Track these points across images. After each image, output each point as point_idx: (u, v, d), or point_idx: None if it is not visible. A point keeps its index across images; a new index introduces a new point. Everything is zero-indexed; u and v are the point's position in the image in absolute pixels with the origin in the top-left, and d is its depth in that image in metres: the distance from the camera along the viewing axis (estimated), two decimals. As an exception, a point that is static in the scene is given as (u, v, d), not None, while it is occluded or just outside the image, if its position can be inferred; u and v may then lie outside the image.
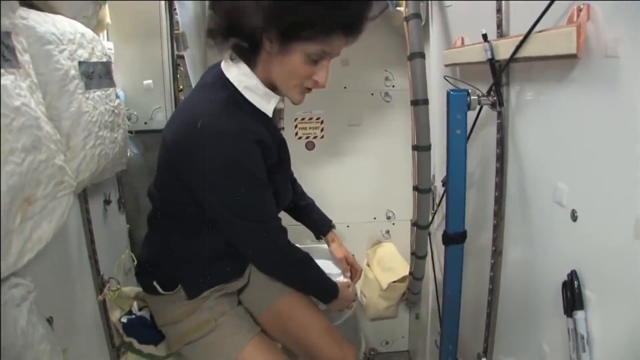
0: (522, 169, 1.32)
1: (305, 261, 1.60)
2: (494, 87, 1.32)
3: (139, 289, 1.84)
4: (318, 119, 2.65)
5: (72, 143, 1.24)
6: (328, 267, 2.05)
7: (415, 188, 1.82)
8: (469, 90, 1.32)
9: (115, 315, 1.82)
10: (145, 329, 1.76)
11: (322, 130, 2.67)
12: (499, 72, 1.29)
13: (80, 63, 1.31)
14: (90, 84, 1.35)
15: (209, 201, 1.36)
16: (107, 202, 1.96)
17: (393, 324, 2.89)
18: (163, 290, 1.54)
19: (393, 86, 2.64)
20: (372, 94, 2.65)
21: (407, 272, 2.42)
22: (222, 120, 1.26)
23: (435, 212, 2.02)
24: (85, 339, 1.65)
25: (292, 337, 1.71)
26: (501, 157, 1.38)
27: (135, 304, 1.90)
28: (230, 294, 1.68)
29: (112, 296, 1.78)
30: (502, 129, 1.37)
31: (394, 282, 2.43)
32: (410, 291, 2.24)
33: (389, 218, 2.78)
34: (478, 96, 1.32)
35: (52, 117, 1.18)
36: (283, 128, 1.64)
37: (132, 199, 2.40)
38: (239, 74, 1.34)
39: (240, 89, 1.34)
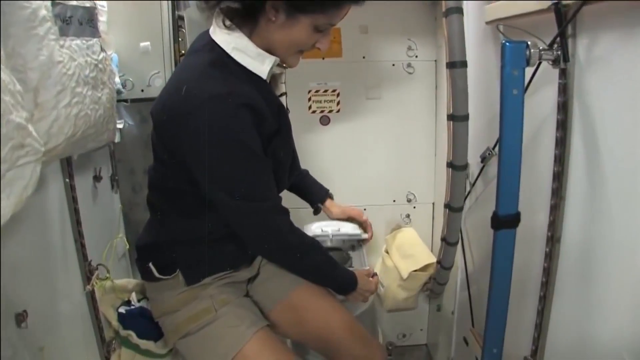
0: (592, 140, 1.08)
1: (312, 247, 1.44)
2: (558, 39, 1.08)
3: (137, 281, 1.68)
4: (334, 91, 2.43)
5: (41, 99, 1.01)
6: (348, 228, 1.93)
7: (450, 165, 1.58)
8: (528, 42, 1.08)
9: (107, 307, 1.63)
10: (145, 321, 1.58)
11: (338, 103, 2.44)
12: (568, 18, 1.05)
13: (54, 3, 1.07)
14: (66, 30, 1.12)
15: (198, 175, 1.24)
16: (97, 178, 1.75)
17: (411, 316, 2.69)
18: (160, 274, 1.42)
19: (416, 56, 2.40)
20: (393, 65, 2.41)
21: (429, 260, 2.21)
22: (206, 83, 1.17)
23: (469, 193, 1.79)
24: (69, 334, 1.49)
25: (310, 332, 1.52)
26: (564, 125, 1.14)
27: (133, 294, 1.72)
28: (236, 284, 1.51)
29: (101, 286, 1.59)
30: (566, 91, 1.13)
31: (415, 271, 2.21)
32: (435, 281, 2.01)
33: (409, 201, 2.55)
34: (539, 49, 1.08)
35: (16, 66, 0.95)
36: (285, 94, 1.43)
37: (128, 176, 2.20)
38: (227, 36, 1.23)
39: (228, 50, 1.23)
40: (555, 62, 1.10)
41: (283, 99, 1.45)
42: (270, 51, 1.25)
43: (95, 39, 1.28)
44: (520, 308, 1.37)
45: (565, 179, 1.16)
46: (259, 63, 1.25)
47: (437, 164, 2.48)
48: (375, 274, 1.67)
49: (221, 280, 1.46)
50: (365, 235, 1.94)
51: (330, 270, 1.50)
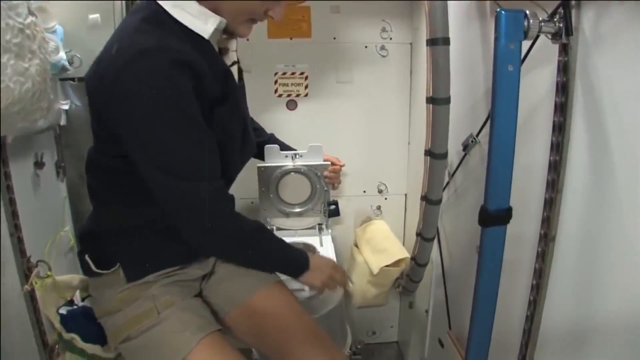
0: (596, 126, 0.95)
1: (259, 232, 1.29)
2: (560, 9, 0.94)
3: (84, 277, 1.49)
4: (302, 74, 2.26)
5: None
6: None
7: (429, 153, 1.44)
8: (527, 12, 0.94)
9: (49, 308, 1.45)
10: (89, 323, 1.40)
11: (306, 87, 2.28)
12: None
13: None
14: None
15: (130, 148, 1.09)
16: (38, 164, 1.56)
17: (381, 312, 2.57)
18: (99, 268, 1.27)
19: (390, 38, 2.26)
20: (366, 47, 2.26)
21: (402, 255, 2.09)
22: (136, 38, 1.03)
23: (447, 184, 1.65)
24: (6, 340, 1.31)
25: (268, 340, 1.36)
26: (562, 109, 1.00)
27: (78, 293, 1.55)
28: (186, 283, 1.35)
29: (41, 285, 1.41)
30: (566, 70, 0.99)
31: (387, 266, 2.08)
32: (409, 278, 1.88)
33: (380, 192, 2.42)
34: (539, 20, 0.94)
35: None
36: (237, 62, 1.29)
37: (76, 162, 2.00)
38: None
39: (167, 7, 1.09)
40: (555, 36, 0.96)
41: (235, 70, 1.28)
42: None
43: (21, 1, 1.09)
44: (508, 310, 1.24)
45: (563, 170, 1.02)
46: (202, 22, 1.11)
47: (410, 153, 2.34)
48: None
49: (168, 278, 1.30)
50: (327, 164, 1.96)
51: (281, 255, 1.37)
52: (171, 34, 1.06)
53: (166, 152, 1.07)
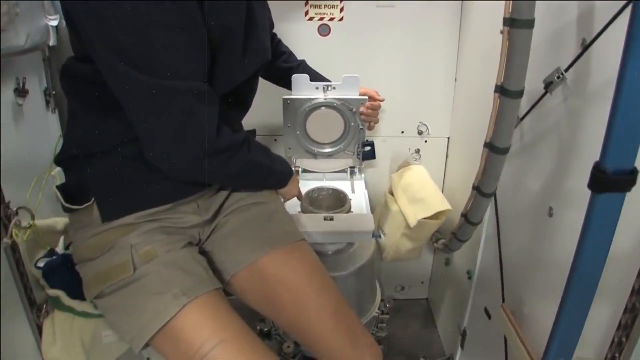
0: None
1: (244, 145, 1.09)
2: None
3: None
4: (337, -7, 1.94)
5: None
6: None
7: (500, 89, 1.15)
8: None
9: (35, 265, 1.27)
10: (73, 275, 1.17)
11: (341, 10, 1.95)
12: None
13: None
14: None
15: (86, 33, 0.88)
16: (20, 92, 1.31)
17: (411, 266, 2.36)
18: (71, 201, 1.08)
19: (441, -46, 1.91)
20: (413, -36, 1.91)
21: (443, 207, 1.85)
22: None
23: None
24: None
25: (283, 314, 1.16)
26: None
27: (62, 239, 1.35)
28: (175, 230, 1.13)
29: (22, 235, 1.18)
30: None
31: (425, 218, 1.83)
32: (455, 237, 1.62)
33: (420, 133, 2.14)
34: None
35: None
36: None
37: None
38: None
39: None
40: None
41: None
42: None
43: None
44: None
45: None
46: None
47: (456, 90, 2.04)
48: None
49: (152, 223, 1.08)
50: (364, 98, 1.69)
51: (267, 170, 1.22)
52: None
53: (129, 37, 0.84)
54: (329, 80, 1.66)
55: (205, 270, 1.10)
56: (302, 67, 1.63)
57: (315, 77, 1.64)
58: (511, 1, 1.06)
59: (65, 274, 1.22)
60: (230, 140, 1.03)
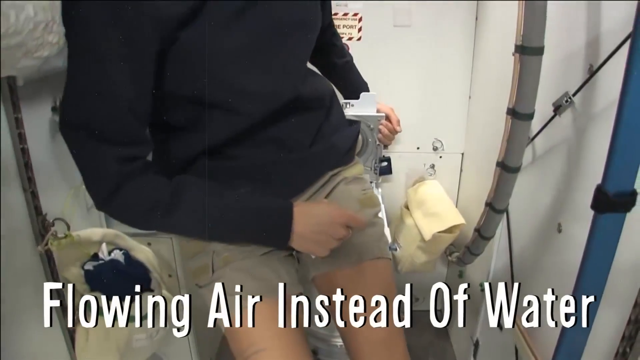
0: None
1: (174, 193, 0.98)
2: None
3: (105, 230, 1.34)
4: (355, 15, 2.01)
5: None
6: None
7: (512, 111, 1.20)
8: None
9: (71, 271, 1.30)
10: (118, 278, 1.30)
11: (359, 30, 2.04)
12: None
13: None
14: None
15: None
16: (57, 109, 1.38)
17: (426, 278, 2.38)
18: None
19: (456, -23, 1.98)
20: (428, -14, 1.99)
21: (457, 221, 1.91)
22: None
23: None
24: (18, 303, 1.17)
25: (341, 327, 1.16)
26: None
27: (104, 246, 1.38)
28: None
29: (58, 245, 1.25)
30: None
31: (440, 232, 1.89)
32: (469, 250, 1.68)
33: (435, 149, 2.19)
34: None
35: None
36: None
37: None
38: None
39: None
40: None
41: None
42: None
43: None
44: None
45: None
46: None
47: (470, 108, 2.10)
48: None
49: None
50: (381, 115, 1.72)
51: (230, 218, 1.03)
52: None
53: (71, 78, 0.87)
54: (365, 82, 1.71)
55: (278, 276, 1.11)
56: (348, 67, 1.66)
57: (357, 79, 1.70)
58: (522, 29, 1.13)
59: (110, 277, 1.29)
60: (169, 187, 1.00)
